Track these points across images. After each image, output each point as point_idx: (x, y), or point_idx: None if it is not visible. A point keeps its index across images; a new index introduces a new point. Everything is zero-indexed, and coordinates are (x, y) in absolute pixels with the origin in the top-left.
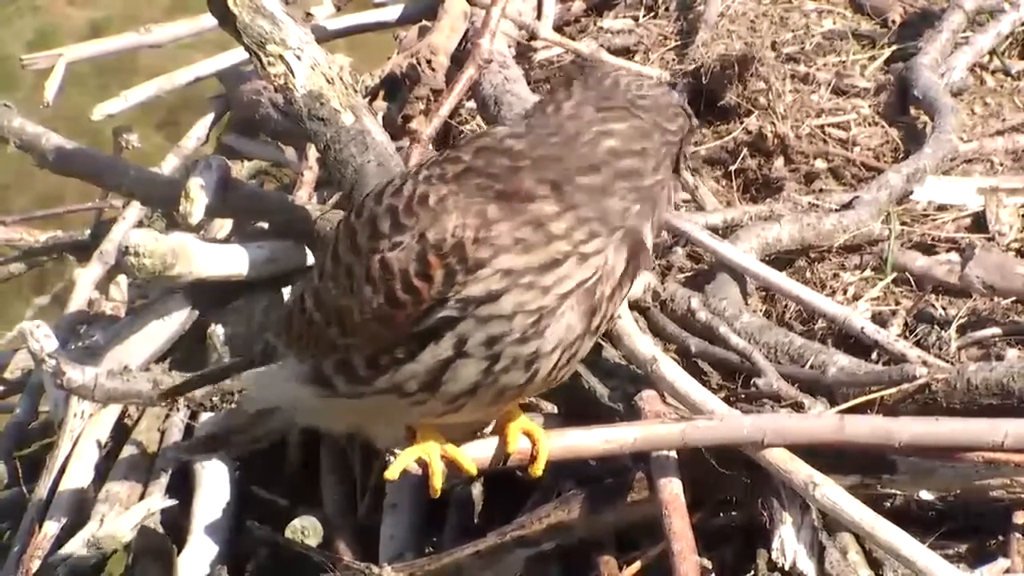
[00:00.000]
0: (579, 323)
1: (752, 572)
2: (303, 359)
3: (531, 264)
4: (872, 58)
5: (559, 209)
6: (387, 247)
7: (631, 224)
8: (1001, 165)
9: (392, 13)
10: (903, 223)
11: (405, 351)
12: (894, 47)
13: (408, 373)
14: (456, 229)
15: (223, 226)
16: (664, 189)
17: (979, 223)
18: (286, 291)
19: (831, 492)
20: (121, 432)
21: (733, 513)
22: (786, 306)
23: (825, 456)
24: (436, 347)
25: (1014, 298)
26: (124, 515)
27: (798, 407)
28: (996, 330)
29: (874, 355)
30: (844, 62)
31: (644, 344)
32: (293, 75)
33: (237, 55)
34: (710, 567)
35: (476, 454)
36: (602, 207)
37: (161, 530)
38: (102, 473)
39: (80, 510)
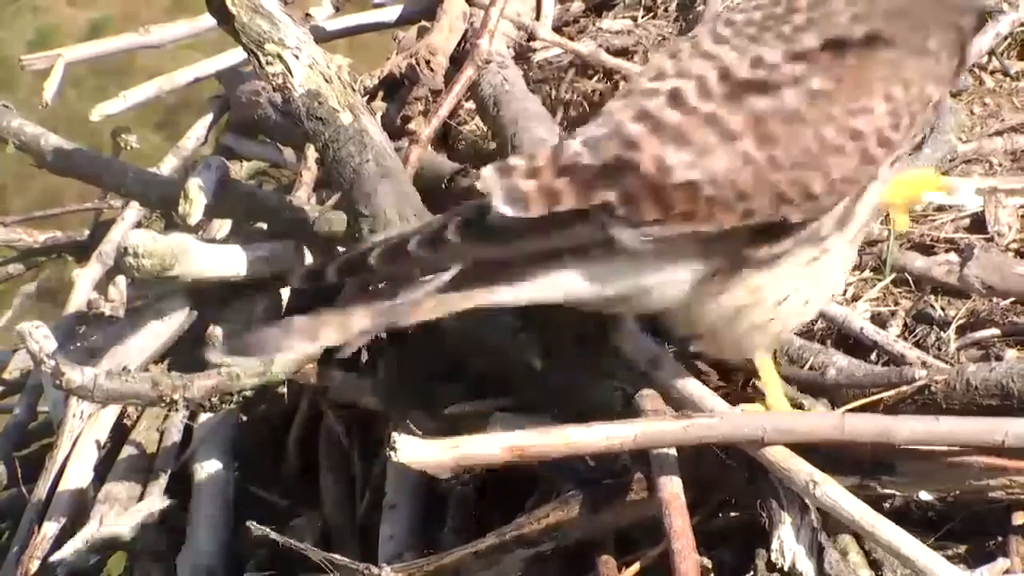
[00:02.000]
0: None
1: (751, 573)
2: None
3: None
4: None
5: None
6: (842, 113)
7: None
8: (1000, 166)
9: (391, 14)
10: None
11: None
12: None
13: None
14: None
15: (222, 226)
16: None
17: (978, 224)
18: (285, 292)
19: (831, 491)
20: (120, 433)
21: (732, 514)
22: None
23: (824, 456)
24: None
25: (1013, 299)
26: (123, 515)
27: (797, 408)
28: (995, 331)
29: (873, 356)
30: None
31: (644, 343)
32: (291, 74)
33: (236, 55)
34: (710, 567)
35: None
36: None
37: (160, 531)
38: (101, 474)
39: (79, 510)
